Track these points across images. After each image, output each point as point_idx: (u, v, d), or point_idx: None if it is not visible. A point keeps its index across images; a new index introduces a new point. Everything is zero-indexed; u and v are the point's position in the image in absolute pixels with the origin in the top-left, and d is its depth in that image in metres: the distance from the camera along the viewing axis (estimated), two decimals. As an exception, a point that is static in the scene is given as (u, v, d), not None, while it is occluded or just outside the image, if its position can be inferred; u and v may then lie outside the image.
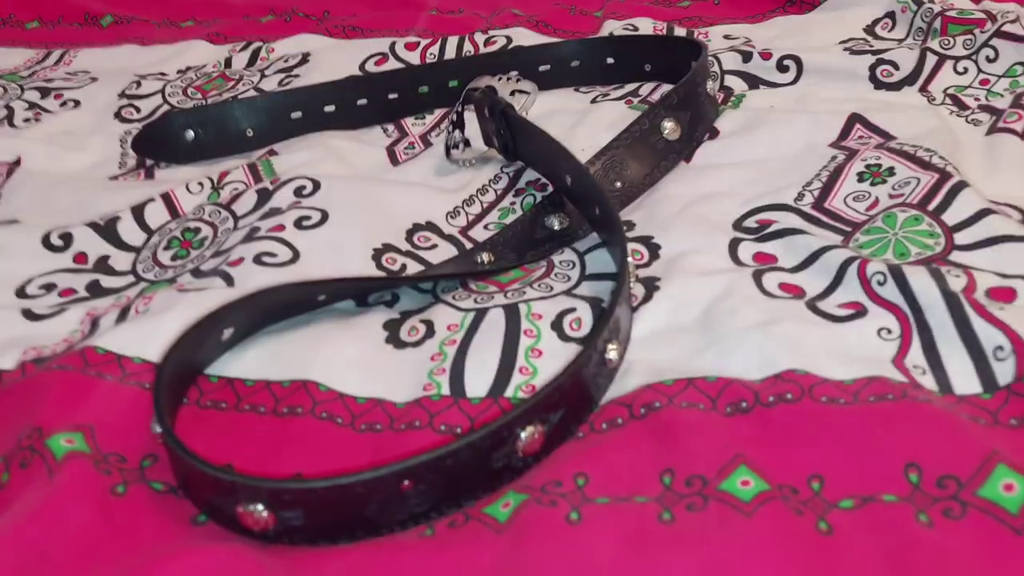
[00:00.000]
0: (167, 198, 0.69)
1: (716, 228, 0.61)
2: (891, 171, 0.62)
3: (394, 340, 0.56)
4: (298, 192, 0.67)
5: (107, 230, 0.67)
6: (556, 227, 0.65)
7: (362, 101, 0.81)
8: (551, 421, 0.47)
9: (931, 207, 0.58)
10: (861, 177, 0.63)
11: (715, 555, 0.40)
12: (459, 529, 0.44)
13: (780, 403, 0.46)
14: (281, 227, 0.63)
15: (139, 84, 0.90)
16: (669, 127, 0.69)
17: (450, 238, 0.66)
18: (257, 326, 0.54)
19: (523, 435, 0.45)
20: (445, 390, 0.52)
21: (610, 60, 0.83)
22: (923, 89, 0.74)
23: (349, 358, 0.54)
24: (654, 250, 0.60)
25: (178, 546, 0.42)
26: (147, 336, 0.54)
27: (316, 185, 0.67)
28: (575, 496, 0.44)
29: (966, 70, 0.75)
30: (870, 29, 0.84)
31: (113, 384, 0.51)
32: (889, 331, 0.50)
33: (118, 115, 0.87)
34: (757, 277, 0.56)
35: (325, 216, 0.65)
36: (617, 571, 0.40)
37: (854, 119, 0.69)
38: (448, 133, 0.72)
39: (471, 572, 0.41)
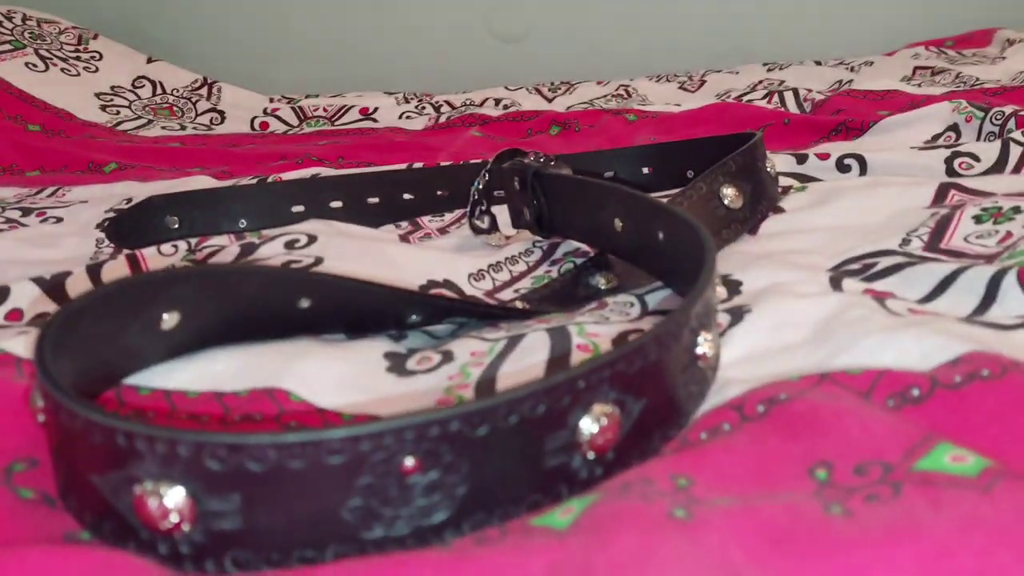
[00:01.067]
0: (132, 258, 0.57)
1: (808, 268, 0.48)
2: (1017, 209, 0.50)
3: (398, 369, 0.41)
4: (289, 245, 0.55)
5: (52, 285, 0.53)
6: (602, 286, 0.52)
7: (373, 199, 0.71)
8: (629, 409, 0.31)
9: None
10: (979, 219, 0.51)
11: (941, 542, 0.23)
12: (491, 543, 0.27)
13: (974, 381, 0.31)
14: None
15: (130, 200, 0.80)
16: (730, 194, 0.57)
17: (468, 298, 0.52)
18: (211, 324, 0.40)
19: (590, 418, 0.30)
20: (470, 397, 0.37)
21: (645, 169, 0.74)
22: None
23: (335, 376, 0.39)
24: (734, 287, 0.47)
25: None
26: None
27: (311, 239, 0.55)
28: (677, 496, 0.28)
29: (1057, 159, 0.65)
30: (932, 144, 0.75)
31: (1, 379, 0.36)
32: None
33: (100, 225, 0.76)
34: (879, 301, 0.42)
35: (319, 261, 0.52)
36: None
37: (947, 187, 0.58)
38: (472, 204, 0.61)
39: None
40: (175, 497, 0.26)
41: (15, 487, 0.31)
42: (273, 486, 0.26)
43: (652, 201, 0.48)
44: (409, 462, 0.27)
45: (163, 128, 1.15)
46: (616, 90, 1.10)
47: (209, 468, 0.26)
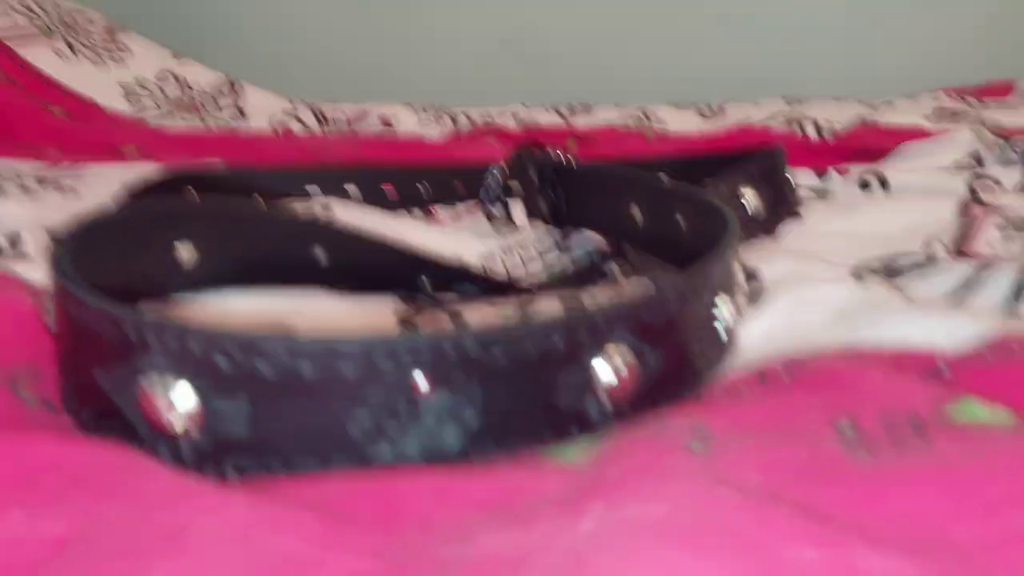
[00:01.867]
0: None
1: (828, 263, 0.48)
2: (1042, 221, 0.50)
3: (406, 326, 0.40)
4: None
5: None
6: (617, 272, 0.52)
7: (387, 186, 0.70)
8: (646, 360, 0.31)
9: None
10: (1002, 228, 0.50)
11: (973, 474, 0.23)
12: (502, 467, 0.26)
13: (1005, 357, 0.31)
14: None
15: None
16: (750, 194, 0.57)
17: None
18: (226, 263, 0.39)
19: (607, 364, 0.29)
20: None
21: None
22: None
23: (339, 318, 0.39)
24: (751, 275, 0.47)
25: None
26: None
27: (326, 208, 0.55)
28: (694, 433, 0.27)
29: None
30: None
31: (8, 296, 0.35)
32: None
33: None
34: (902, 291, 0.42)
35: (332, 228, 0.51)
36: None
37: (970, 200, 0.58)
38: (487, 189, 0.61)
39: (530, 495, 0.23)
40: (181, 393, 0.26)
41: (17, 390, 0.30)
42: (282, 392, 0.26)
43: (673, 186, 0.48)
44: (421, 381, 0.27)
45: (184, 123, 1.15)
46: (635, 115, 1.10)
47: (219, 366, 0.25)
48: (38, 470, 0.22)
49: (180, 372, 0.26)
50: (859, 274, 0.46)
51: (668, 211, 0.48)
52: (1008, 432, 0.25)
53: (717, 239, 0.41)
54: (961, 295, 0.42)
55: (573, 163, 0.59)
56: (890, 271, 0.46)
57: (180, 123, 1.15)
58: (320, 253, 0.41)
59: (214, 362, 0.25)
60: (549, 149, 0.61)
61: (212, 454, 0.26)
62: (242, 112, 1.24)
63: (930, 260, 0.46)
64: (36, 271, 0.42)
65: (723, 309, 0.35)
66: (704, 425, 0.28)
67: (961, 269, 0.44)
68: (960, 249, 0.49)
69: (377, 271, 0.43)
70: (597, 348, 0.29)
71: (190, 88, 1.28)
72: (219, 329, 0.25)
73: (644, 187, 0.50)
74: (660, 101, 1.20)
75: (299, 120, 1.20)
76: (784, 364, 0.32)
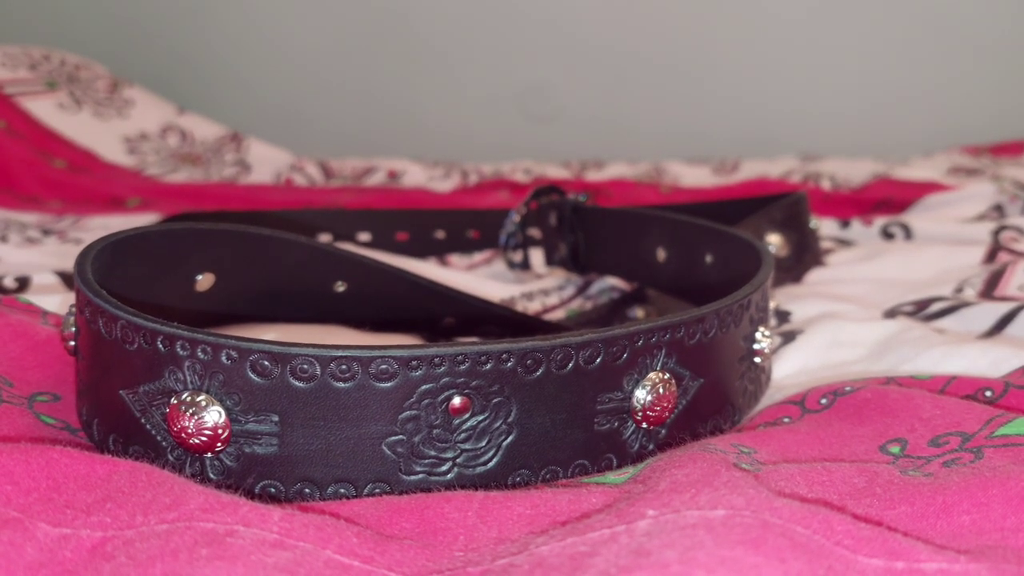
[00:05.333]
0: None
1: (861, 305, 0.47)
2: (1073, 266, 0.49)
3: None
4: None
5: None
6: (641, 316, 0.51)
7: (403, 236, 0.70)
8: (685, 386, 0.30)
9: None
10: (1034, 272, 0.49)
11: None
12: (541, 491, 0.25)
13: (1050, 381, 0.30)
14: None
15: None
16: (776, 242, 0.57)
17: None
18: (243, 292, 0.38)
19: (646, 384, 0.28)
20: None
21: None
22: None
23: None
24: (783, 316, 0.46)
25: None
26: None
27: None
28: (741, 457, 0.26)
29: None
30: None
31: (26, 322, 0.34)
32: None
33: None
34: (938, 332, 0.41)
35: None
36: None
37: (997, 247, 0.57)
38: (507, 236, 0.60)
39: (576, 512, 0.22)
40: (211, 411, 0.25)
41: (37, 413, 0.29)
42: (314, 407, 0.25)
43: (701, 223, 0.47)
44: (457, 400, 0.26)
45: (188, 176, 1.15)
46: (648, 171, 1.10)
47: (251, 380, 0.24)
48: (66, 484, 0.21)
49: (211, 390, 0.25)
50: (892, 316, 0.45)
51: (696, 251, 0.47)
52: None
53: (750, 277, 0.40)
54: (996, 333, 0.42)
55: (592, 205, 0.58)
56: (923, 315, 0.45)
57: (183, 175, 1.15)
58: (342, 287, 0.40)
59: (247, 376, 0.24)
60: (569, 193, 0.61)
61: (242, 476, 0.25)
62: (246, 165, 1.24)
63: (963, 303, 0.45)
64: (50, 302, 0.41)
65: (763, 343, 0.34)
66: (750, 448, 0.27)
67: (995, 309, 0.43)
68: (990, 293, 0.48)
69: (399, 308, 0.42)
70: (637, 369, 0.28)
71: (193, 141, 1.28)
72: (252, 340, 0.24)
73: (670, 226, 0.50)
74: (673, 158, 1.20)
75: (304, 174, 1.20)
76: (824, 394, 0.31)
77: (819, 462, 0.25)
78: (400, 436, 0.25)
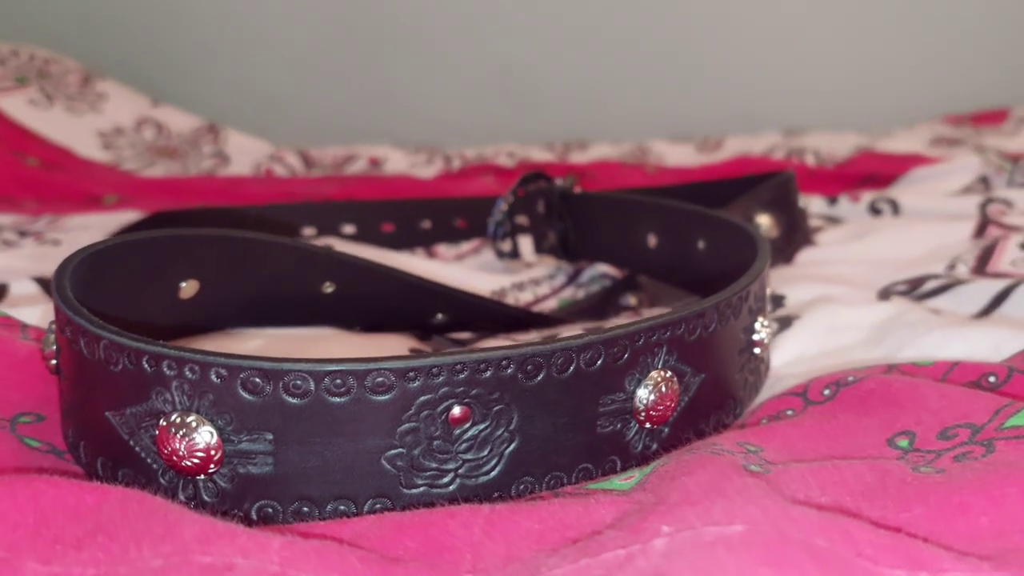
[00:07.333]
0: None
1: (852, 285, 0.46)
2: (1065, 239, 0.49)
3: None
4: (305, 252, 0.53)
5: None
6: (633, 303, 0.50)
7: (388, 227, 0.69)
8: (687, 383, 0.29)
9: None
10: (1025, 247, 0.49)
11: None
12: (547, 501, 0.24)
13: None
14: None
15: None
16: (765, 223, 0.56)
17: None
18: (230, 297, 0.37)
19: (648, 386, 0.28)
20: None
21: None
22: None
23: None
24: (778, 300, 0.45)
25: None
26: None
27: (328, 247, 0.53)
28: (748, 456, 0.25)
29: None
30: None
31: (5, 338, 0.33)
32: None
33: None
34: (934, 313, 0.40)
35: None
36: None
37: (986, 222, 0.57)
38: (495, 225, 0.59)
39: (585, 525, 0.22)
40: (202, 431, 0.24)
41: (20, 436, 0.28)
42: (309, 424, 0.24)
43: (693, 209, 0.47)
44: (457, 410, 0.25)
45: (166, 170, 1.13)
46: (632, 151, 1.09)
47: (242, 398, 0.24)
48: (54, 517, 0.20)
49: (201, 409, 0.24)
50: (886, 296, 0.44)
51: (688, 236, 0.47)
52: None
53: (744, 262, 0.40)
54: (992, 312, 0.41)
55: (580, 191, 0.57)
56: (917, 294, 0.45)
57: (160, 169, 1.13)
58: (330, 288, 0.39)
59: (238, 394, 0.24)
60: (556, 178, 0.60)
61: (237, 497, 0.24)
62: (224, 157, 1.22)
63: (957, 281, 0.44)
64: (30, 314, 0.40)
65: (762, 332, 0.33)
66: (756, 446, 0.26)
67: (989, 286, 0.43)
68: (983, 269, 0.48)
69: (390, 307, 0.41)
70: (638, 369, 0.28)
71: (170, 133, 1.27)
72: (242, 358, 0.24)
73: (661, 212, 0.49)
74: (656, 136, 1.19)
75: (284, 164, 1.19)
76: (827, 384, 0.31)
77: (828, 459, 0.25)
78: (400, 449, 0.25)
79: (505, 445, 0.26)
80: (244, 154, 1.22)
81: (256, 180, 1.07)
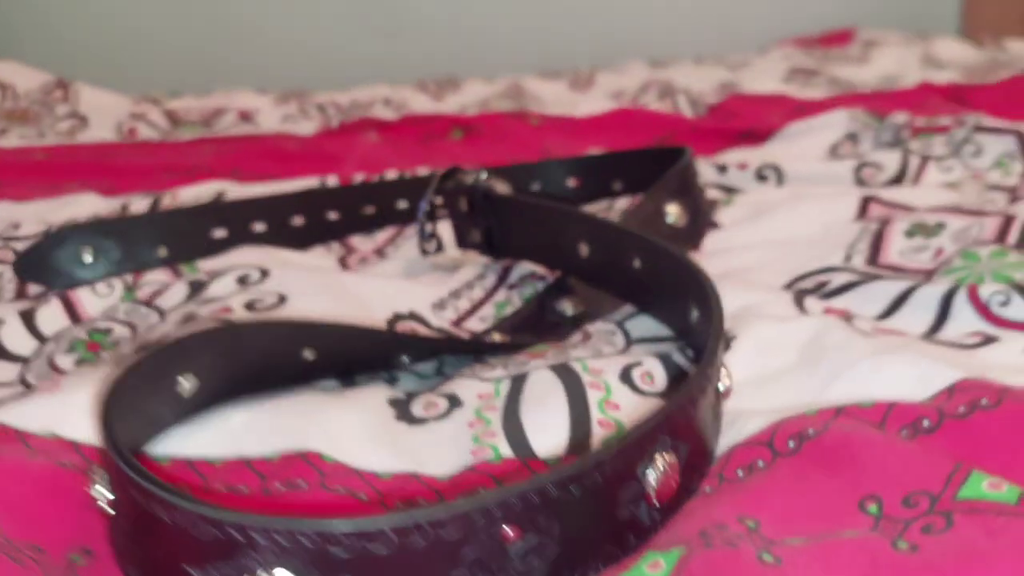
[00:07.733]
0: (66, 300, 0.54)
1: (768, 288, 0.52)
2: (941, 225, 0.55)
3: (407, 417, 0.41)
4: (242, 281, 0.54)
5: (-17, 335, 0.50)
6: (569, 312, 0.54)
7: (298, 220, 0.69)
8: (683, 455, 0.33)
9: (1010, 243, 0.51)
10: (910, 234, 0.56)
11: (1008, 570, 0.27)
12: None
13: (976, 411, 0.35)
14: (228, 309, 0.49)
15: (17, 226, 0.75)
16: (674, 212, 0.60)
17: (441, 332, 0.53)
18: (221, 383, 0.39)
19: (655, 471, 0.32)
20: (506, 451, 0.38)
21: (571, 182, 0.76)
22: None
23: (353, 430, 0.39)
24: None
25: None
26: (58, 409, 0.38)
27: (264, 273, 0.54)
28: (753, 538, 0.30)
29: (951, 168, 0.72)
30: (833, 151, 0.81)
31: (18, 460, 0.34)
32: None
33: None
34: (845, 320, 0.46)
35: (283, 299, 0.51)
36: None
37: (868, 200, 0.63)
38: (421, 227, 0.61)
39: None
40: (292, 587, 0.26)
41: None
42: (392, 569, 0.27)
43: (626, 229, 0.50)
44: (509, 531, 0.28)
45: (21, 137, 1.07)
46: (506, 89, 1.11)
47: (334, 556, 0.26)
48: None
49: (289, 566, 0.26)
50: (799, 299, 0.50)
51: (623, 254, 0.50)
52: (1019, 516, 0.29)
53: (684, 287, 0.44)
54: (892, 318, 0.47)
55: (502, 191, 0.60)
56: (824, 292, 0.51)
57: (15, 139, 1.07)
58: (310, 355, 0.41)
59: (329, 553, 0.26)
60: (470, 173, 0.62)
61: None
62: (81, 117, 1.16)
63: (857, 280, 0.50)
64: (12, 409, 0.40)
65: (725, 380, 0.38)
66: (755, 523, 0.31)
67: (889, 288, 0.49)
68: (876, 260, 0.54)
69: (362, 360, 0.44)
70: (647, 459, 0.32)
71: (16, 94, 1.19)
72: (324, 522, 0.26)
73: (592, 225, 0.52)
74: (522, 66, 1.21)
75: (148, 123, 1.14)
76: (790, 436, 0.36)
77: (820, 535, 0.30)
78: (459, 570, 0.28)
79: (548, 550, 0.29)
80: (101, 113, 1.16)
81: (127, 147, 1.03)
